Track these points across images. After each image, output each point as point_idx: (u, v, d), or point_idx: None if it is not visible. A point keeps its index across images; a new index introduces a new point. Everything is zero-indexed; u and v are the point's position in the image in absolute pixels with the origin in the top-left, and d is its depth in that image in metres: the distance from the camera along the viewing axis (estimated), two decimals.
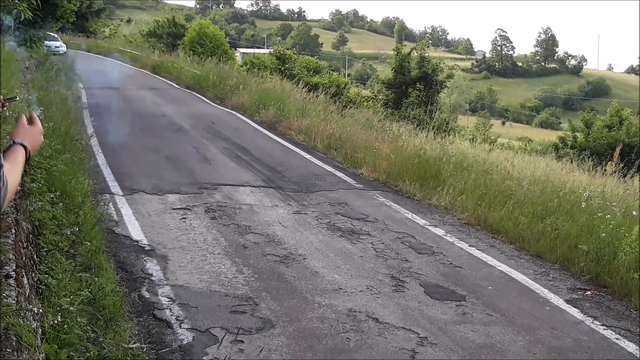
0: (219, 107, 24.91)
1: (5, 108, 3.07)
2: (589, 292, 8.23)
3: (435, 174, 12.97)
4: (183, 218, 10.30)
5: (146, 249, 8.78)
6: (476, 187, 11.85)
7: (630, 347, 6.78)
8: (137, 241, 9.05)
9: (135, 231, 9.47)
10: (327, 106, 22.34)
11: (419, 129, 17.72)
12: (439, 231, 10.51)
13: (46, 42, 41.06)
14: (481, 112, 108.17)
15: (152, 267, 8.12)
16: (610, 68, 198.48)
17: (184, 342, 6.22)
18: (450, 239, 10.12)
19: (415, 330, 6.78)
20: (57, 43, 46.16)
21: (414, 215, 11.36)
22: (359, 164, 14.87)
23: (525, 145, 42.63)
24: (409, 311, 7.29)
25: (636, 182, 12.37)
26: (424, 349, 6.40)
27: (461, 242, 10.02)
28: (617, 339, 6.97)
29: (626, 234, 8.80)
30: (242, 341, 6.28)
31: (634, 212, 9.47)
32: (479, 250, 9.68)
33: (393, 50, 37.96)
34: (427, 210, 11.73)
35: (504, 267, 8.97)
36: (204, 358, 5.94)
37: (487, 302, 7.69)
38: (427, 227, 10.73)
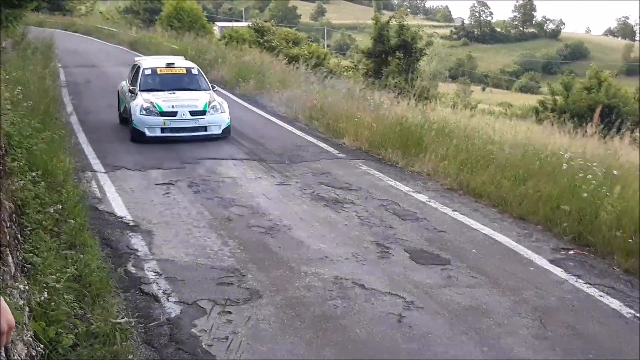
0: None
1: None
2: (572, 252, 8.31)
3: (417, 141, 12.98)
4: (166, 193, 10.29)
5: (130, 224, 8.77)
6: (458, 153, 11.89)
7: (614, 303, 6.86)
8: (121, 217, 9.05)
9: (119, 207, 9.46)
10: (308, 77, 22.28)
11: (400, 97, 17.68)
12: (422, 197, 10.55)
13: (163, 99, 14.57)
14: (461, 79, 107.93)
15: (137, 242, 8.13)
16: (588, 31, 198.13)
17: (172, 315, 6.25)
18: (433, 205, 10.17)
19: (402, 295, 6.84)
20: (203, 96, 14.91)
21: (397, 182, 11.40)
22: (341, 133, 14.85)
23: (506, 110, 42.64)
24: (394, 277, 7.34)
25: (617, 142, 12.46)
26: (410, 312, 6.46)
27: (444, 207, 10.07)
28: (600, 296, 7.05)
29: (607, 193, 8.88)
30: (230, 312, 6.32)
31: (615, 172, 9.54)
32: (462, 214, 9.74)
33: (372, 19, 37.67)
34: (410, 177, 11.76)
35: (487, 230, 9.03)
36: (193, 330, 5.97)
37: (472, 265, 7.76)
38: (411, 193, 10.77)
